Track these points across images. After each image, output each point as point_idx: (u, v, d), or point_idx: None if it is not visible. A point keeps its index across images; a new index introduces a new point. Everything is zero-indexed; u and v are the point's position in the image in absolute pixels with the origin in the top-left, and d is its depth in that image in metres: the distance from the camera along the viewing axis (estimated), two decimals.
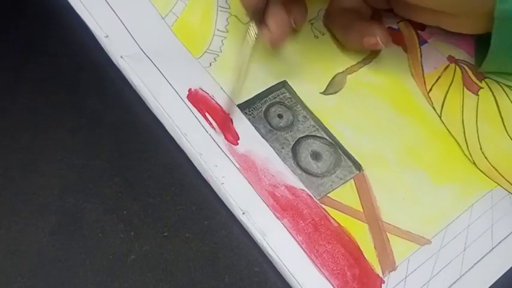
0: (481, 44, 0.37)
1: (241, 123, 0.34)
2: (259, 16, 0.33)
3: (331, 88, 0.37)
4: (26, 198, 0.31)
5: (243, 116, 0.35)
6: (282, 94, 0.36)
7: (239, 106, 0.35)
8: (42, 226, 0.31)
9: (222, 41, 0.38)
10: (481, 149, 0.36)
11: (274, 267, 0.30)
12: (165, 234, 0.31)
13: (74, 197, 0.32)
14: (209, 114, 0.34)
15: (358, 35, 0.36)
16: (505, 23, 0.32)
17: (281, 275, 0.30)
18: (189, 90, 0.35)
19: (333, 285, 0.29)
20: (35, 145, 0.33)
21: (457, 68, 0.39)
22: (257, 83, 0.36)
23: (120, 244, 0.30)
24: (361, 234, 0.31)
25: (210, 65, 0.37)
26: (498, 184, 0.34)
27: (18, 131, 0.34)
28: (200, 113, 0.34)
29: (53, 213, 0.31)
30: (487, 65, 0.36)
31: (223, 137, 0.33)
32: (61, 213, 0.31)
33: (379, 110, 0.36)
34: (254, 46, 0.33)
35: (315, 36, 0.39)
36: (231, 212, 0.32)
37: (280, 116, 0.35)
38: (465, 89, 0.38)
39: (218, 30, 0.38)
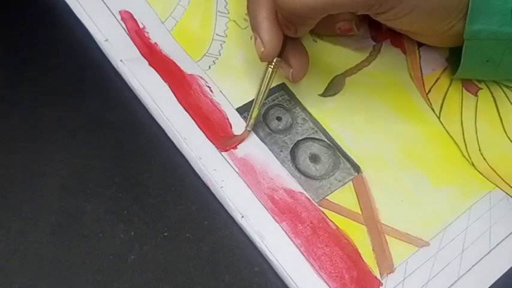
0: (454, 52, 0.37)
1: (240, 127, 0.34)
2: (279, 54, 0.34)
3: (330, 90, 0.37)
4: (26, 198, 0.31)
5: (241, 119, 0.35)
6: (280, 96, 0.36)
7: (238, 110, 0.35)
8: (42, 226, 0.31)
9: (221, 44, 0.38)
10: (479, 150, 0.36)
11: None
12: (165, 234, 0.31)
13: (74, 197, 0.32)
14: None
15: (330, 19, 0.35)
16: (473, 43, 0.33)
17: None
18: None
19: (331, 287, 0.30)
20: (35, 145, 0.33)
21: None
22: (256, 86, 0.36)
23: (120, 244, 0.30)
24: (359, 236, 0.31)
25: (209, 67, 0.37)
26: (496, 186, 0.34)
27: (18, 131, 0.34)
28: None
29: (53, 213, 0.31)
30: (460, 75, 0.37)
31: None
32: (61, 213, 0.31)
33: (378, 111, 0.36)
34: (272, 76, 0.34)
35: (313, 40, 0.39)
36: None
37: (279, 119, 0.35)
38: (464, 90, 0.38)
39: (217, 34, 0.38)
